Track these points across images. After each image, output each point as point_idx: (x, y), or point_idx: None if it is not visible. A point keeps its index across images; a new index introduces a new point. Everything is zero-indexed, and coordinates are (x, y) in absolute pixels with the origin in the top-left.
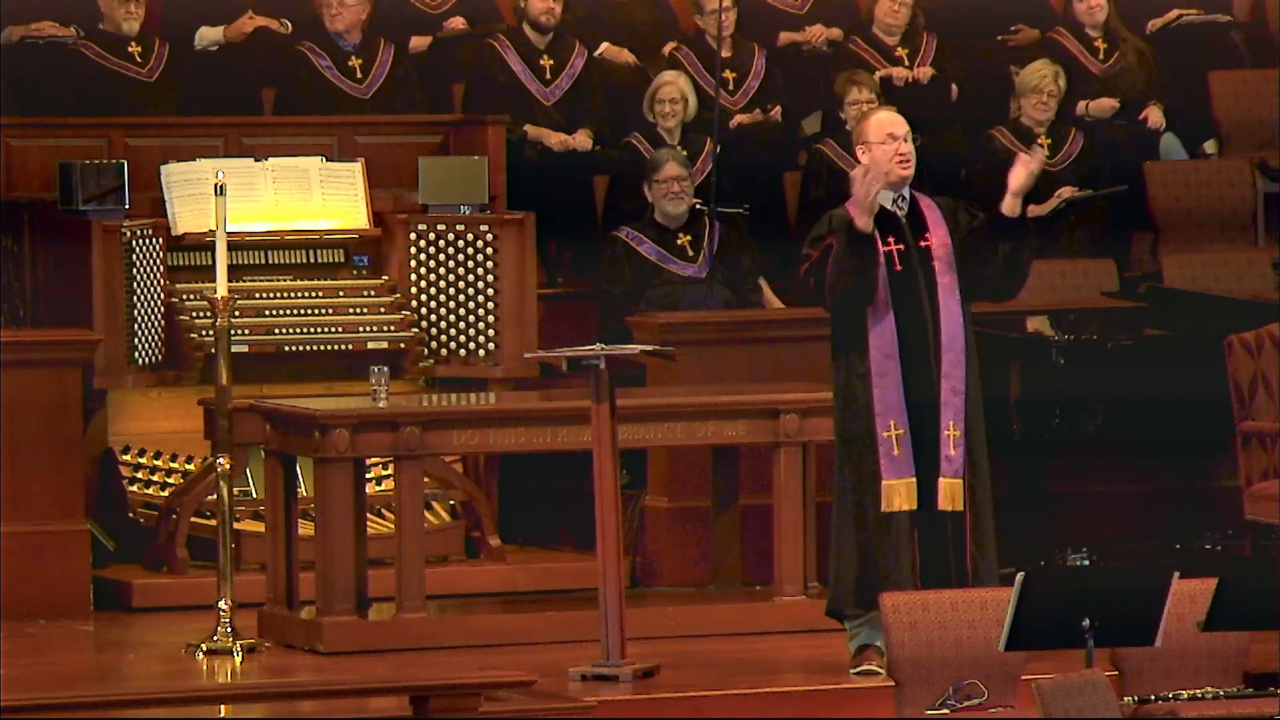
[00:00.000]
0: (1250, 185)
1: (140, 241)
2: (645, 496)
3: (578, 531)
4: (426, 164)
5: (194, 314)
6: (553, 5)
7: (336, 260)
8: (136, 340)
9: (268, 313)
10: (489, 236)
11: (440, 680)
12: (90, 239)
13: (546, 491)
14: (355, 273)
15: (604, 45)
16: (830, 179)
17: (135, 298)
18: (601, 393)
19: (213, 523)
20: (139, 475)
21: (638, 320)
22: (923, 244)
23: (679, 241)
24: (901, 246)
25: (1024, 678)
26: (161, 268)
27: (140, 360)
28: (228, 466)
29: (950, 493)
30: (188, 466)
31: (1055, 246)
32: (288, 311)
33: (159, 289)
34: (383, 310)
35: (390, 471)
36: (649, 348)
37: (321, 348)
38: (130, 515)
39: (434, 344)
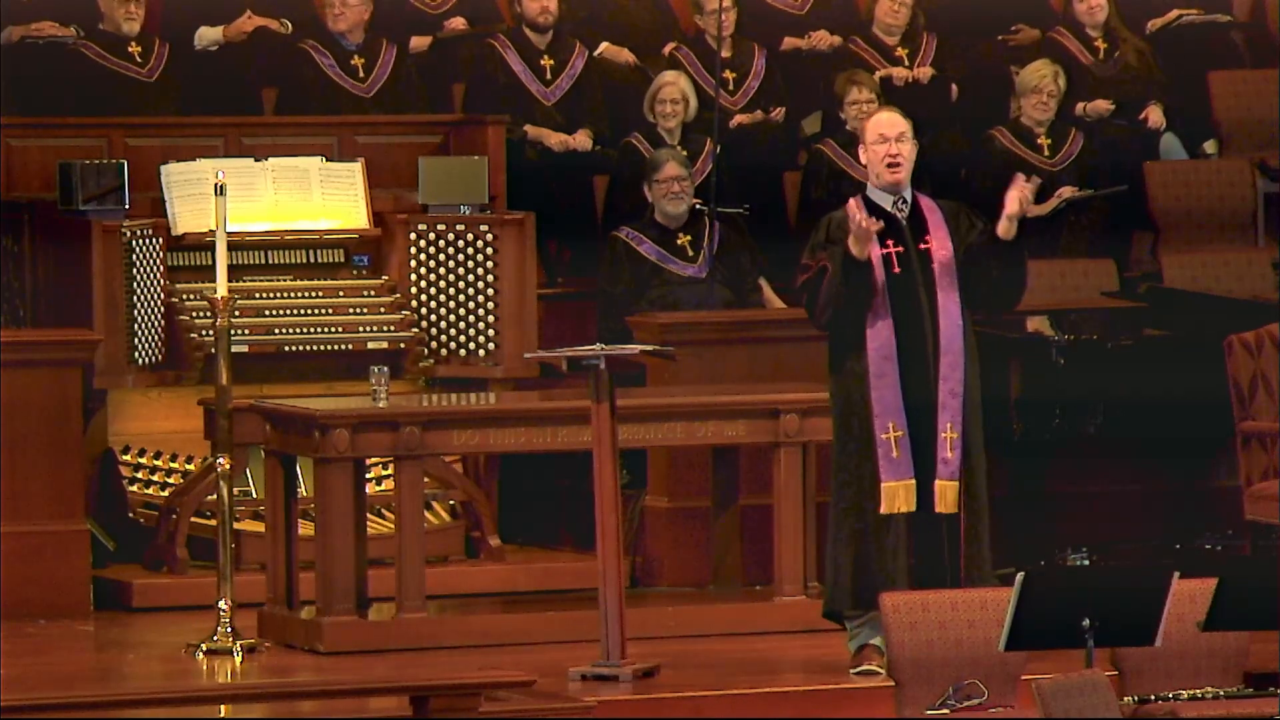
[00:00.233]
0: (1250, 185)
1: (140, 241)
2: (645, 496)
3: (578, 531)
4: (426, 164)
5: (194, 314)
6: (548, 5)
7: (336, 260)
8: (136, 340)
9: (268, 313)
10: (489, 236)
11: (440, 680)
12: (90, 239)
13: (546, 491)
14: (355, 273)
15: (604, 45)
16: (830, 179)
17: (135, 298)
18: (601, 393)
19: (213, 523)
20: (139, 475)
21: (638, 320)
22: (922, 246)
23: (679, 241)
24: (901, 249)
25: (1024, 678)
26: (161, 268)
27: (140, 360)
28: (228, 466)
29: (945, 495)
30: (188, 466)
31: (1055, 246)
32: (288, 311)
33: (159, 289)
34: (383, 310)
35: (390, 471)
36: (649, 348)
37: (321, 348)
38: (130, 515)
39: (434, 344)
